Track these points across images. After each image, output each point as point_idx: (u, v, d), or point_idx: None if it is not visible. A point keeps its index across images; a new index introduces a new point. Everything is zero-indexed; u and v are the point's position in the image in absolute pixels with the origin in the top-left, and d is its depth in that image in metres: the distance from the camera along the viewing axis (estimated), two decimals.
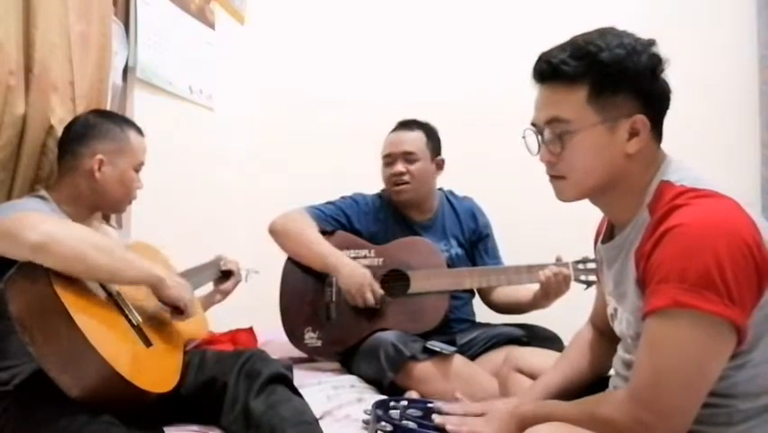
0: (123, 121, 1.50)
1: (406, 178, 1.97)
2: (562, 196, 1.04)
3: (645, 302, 0.91)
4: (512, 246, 2.15)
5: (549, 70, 0.99)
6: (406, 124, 2.04)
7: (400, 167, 1.97)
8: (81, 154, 1.40)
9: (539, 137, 1.03)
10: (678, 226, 0.87)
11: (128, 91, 1.93)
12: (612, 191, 1.01)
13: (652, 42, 0.98)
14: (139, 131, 1.50)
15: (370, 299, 1.84)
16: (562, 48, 0.99)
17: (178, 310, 1.34)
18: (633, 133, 0.97)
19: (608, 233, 1.11)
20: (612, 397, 1.02)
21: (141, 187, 1.51)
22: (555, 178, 1.03)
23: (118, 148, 1.43)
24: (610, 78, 0.96)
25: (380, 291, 1.87)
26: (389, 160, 2.00)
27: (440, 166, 2.06)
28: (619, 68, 0.95)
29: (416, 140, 2.00)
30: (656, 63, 0.97)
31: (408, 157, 1.98)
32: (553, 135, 0.99)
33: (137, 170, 1.48)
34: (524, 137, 1.06)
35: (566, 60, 0.97)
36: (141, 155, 1.49)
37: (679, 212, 0.89)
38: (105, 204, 1.48)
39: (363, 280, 1.85)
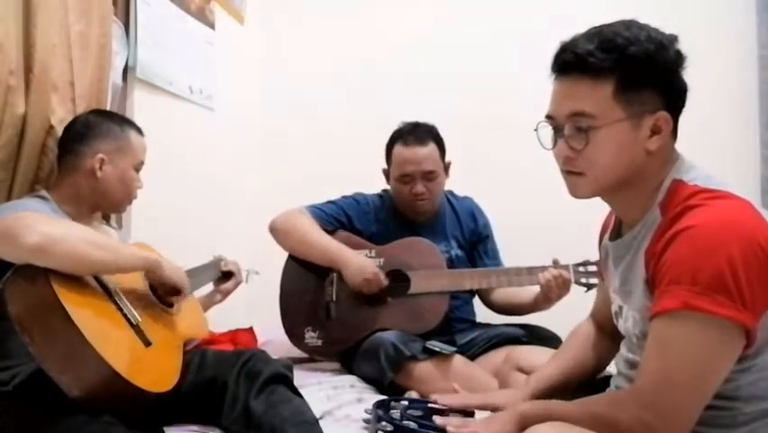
0: (123, 121, 1.51)
1: (426, 196, 1.94)
2: (578, 193, 1.01)
3: (655, 302, 0.90)
4: (512, 248, 2.14)
5: (575, 62, 0.94)
6: (418, 137, 1.94)
7: (421, 187, 1.92)
8: (82, 154, 1.40)
9: (556, 131, 0.99)
10: (691, 228, 0.87)
11: (128, 91, 1.93)
12: (627, 189, 0.99)
13: (676, 38, 0.96)
14: (139, 130, 1.50)
15: (377, 287, 1.86)
16: (587, 38, 0.95)
17: (175, 291, 1.38)
18: (655, 131, 0.95)
19: (615, 229, 1.10)
20: (615, 397, 1.02)
21: (142, 186, 1.52)
22: (572, 174, 0.99)
23: (119, 147, 1.43)
24: (638, 73, 0.93)
25: (385, 281, 1.88)
26: (408, 179, 1.94)
27: (448, 170, 2.03)
28: (648, 62, 0.93)
29: (433, 155, 1.94)
30: (680, 59, 0.96)
31: (429, 176, 1.93)
32: (576, 130, 0.96)
33: (137, 170, 1.49)
34: (536, 130, 1.02)
35: (594, 52, 0.93)
36: (142, 155, 1.49)
37: (692, 213, 0.89)
38: (105, 203, 1.48)
39: (369, 270, 1.86)
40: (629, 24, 0.95)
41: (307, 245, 1.95)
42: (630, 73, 0.93)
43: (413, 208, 1.98)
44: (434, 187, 1.95)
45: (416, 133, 1.96)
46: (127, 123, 1.50)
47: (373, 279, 1.86)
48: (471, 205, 2.14)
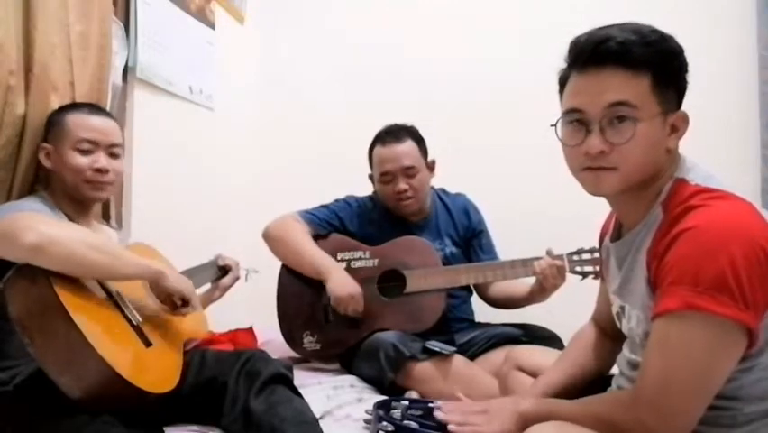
0: (70, 107, 1.44)
1: (409, 193, 1.94)
2: (604, 189, 0.97)
3: (657, 303, 0.90)
4: (505, 241, 2.15)
5: (619, 51, 0.91)
6: (394, 135, 1.97)
7: (403, 184, 1.93)
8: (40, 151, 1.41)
9: (585, 125, 0.95)
10: (693, 228, 0.86)
11: (128, 91, 1.93)
12: (640, 187, 0.97)
13: None
14: (88, 111, 1.42)
15: (354, 311, 1.86)
16: (622, 30, 0.93)
17: (184, 303, 1.35)
18: (673, 129, 0.96)
19: (615, 231, 1.10)
20: (616, 397, 1.01)
21: (101, 166, 1.38)
22: (601, 169, 0.95)
23: (57, 133, 1.39)
24: (671, 70, 0.94)
25: (361, 308, 1.87)
26: (389, 177, 1.95)
27: (432, 168, 2.04)
28: (679, 60, 0.95)
29: (411, 151, 1.96)
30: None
31: (408, 172, 1.94)
32: (617, 122, 0.93)
33: (81, 150, 1.37)
34: (554, 126, 1.00)
35: (638, 44, 0.91)
36: (81, 132, 1.38)
37: (694, 213, 0.89)
38: (73, 194, 1.40)
39: (352, 291, 1.85)
40: (640, 24, 0.95)
41: (297, 256, 1.95)
42: (665, 68, 0.93)
43: (399, 208, 1.98)
44: (417, 183, 1.95)
45: (393, 132, 1.99)
46: (75, 107, 1.44)
47: (355, 296, 1.85)
48: (465, 202, 2.14)
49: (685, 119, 0.97)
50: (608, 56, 0.93)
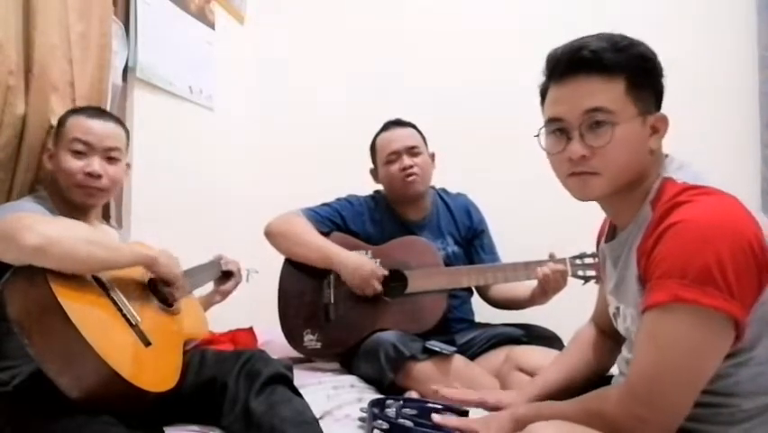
0: (78, 110, 1.43)
1: (416, 170, 1.97)
2: (590, 193, 1.00)
3: (645, 297, 0.91)
4: (508, 243, 2.15)
5: (592, 59, 0.95)
6: (397, 123, 2.06)
7: (408, 160, 1.97)
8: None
9: (566, 132, 0.98)
10: (679, 223, 0.88)
11: (128, 91, 1.93)
12: (627, 189, 0.99)
13: None
14: (90, 114, 1.41)
15: (378, 286, 1.86)
16: (597, 39, 0.97)
17: (168, 284, 1.39)
18: (654, 131, 0.98)
19: (610, 233, 1.12)
20: (608, 392, 1.02)
21: (92, 170, 1.36)
22: (585, 174, 0.98)
23: (59, 135, 1.40)
24: (646, 72, 0.97)
25: (385, 272, 1.88)
26: (395, 156, 1.99)
27: (433, 159, 2.08)
28: (653, 63, 0.97)
29: (414, 134, 2.03)
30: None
31: (413, 151, 1.99)
32: (595, 126, 0.96)
33: (75, 150, 1.35)
34: (537, 136, 1.03)
35: (608, 49, 0.95)
36: (75, 132, 1.36)
37: (681, 209, 0.90)
38: (67, 196, 1.39)
39: (369, 270, 1.86)
40: (612, 33, 0.99)
41: (303, 247, 1.95)
42: (639, 71, 0.96)
43: (405, 188, 1.99)
44: (421, 163, 1.99)
45: (395, 122, 2.07)
46: (80, 110, 1.43)
47: (371, 276, 1.85)
48: (466, 201, 2.15)
49: (665, 120, 0.99)
50: (582, 64, 0.97)
